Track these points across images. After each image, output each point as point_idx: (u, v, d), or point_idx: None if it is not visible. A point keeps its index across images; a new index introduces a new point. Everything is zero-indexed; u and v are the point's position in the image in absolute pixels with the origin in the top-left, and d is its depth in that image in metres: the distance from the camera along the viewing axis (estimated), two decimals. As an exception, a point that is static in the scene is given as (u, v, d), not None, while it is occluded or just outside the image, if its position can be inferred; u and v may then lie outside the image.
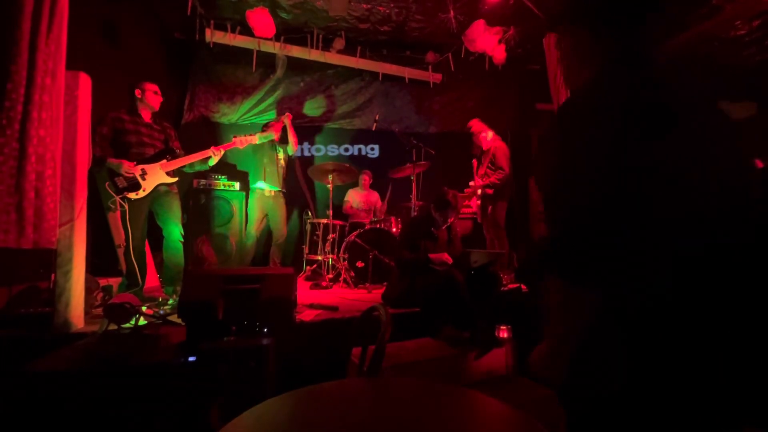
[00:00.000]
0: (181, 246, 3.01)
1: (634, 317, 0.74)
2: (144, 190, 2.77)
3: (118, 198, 2.68)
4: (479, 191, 4.04)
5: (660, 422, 0.75)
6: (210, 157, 3.07)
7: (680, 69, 0.78)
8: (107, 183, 2.68)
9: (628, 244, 0.75)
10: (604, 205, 0.76)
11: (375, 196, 4.96)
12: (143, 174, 2.77)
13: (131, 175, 2.72)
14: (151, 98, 2.92)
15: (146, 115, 2.94)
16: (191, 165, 3.06)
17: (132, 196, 2.73)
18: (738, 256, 0.75)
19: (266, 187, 3.81)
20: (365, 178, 4.89)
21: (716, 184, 0.74)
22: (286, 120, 3.87)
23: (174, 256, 2.99)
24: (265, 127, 3.87)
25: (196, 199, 4.02)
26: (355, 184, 4.89)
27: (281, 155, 3.95)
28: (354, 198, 4.88)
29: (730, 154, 0.75)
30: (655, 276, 0.73)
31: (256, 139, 3.53)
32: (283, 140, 3.96)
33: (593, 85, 0.83)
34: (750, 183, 0.74)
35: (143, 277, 2.84)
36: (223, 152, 3.15)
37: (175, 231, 2.98)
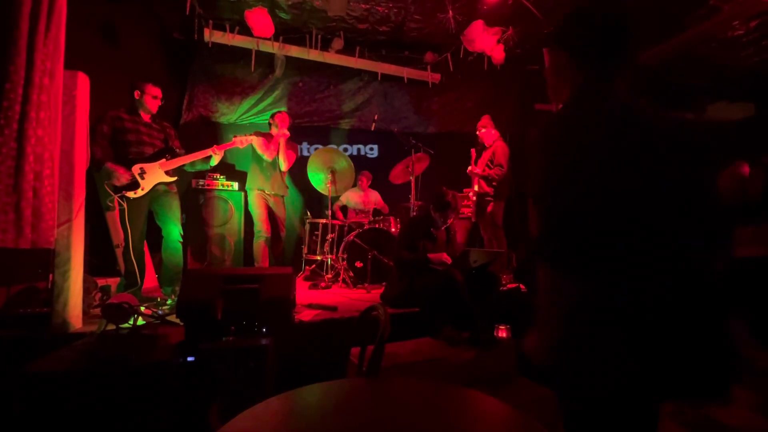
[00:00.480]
0: (180, 246, 3.00)
1: (634, 317, 0.74)
2: (142, 189, 2.76)
3: (116, 197, 2.67)
4: (476, 185, 4.03)
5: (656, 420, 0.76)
6: (211, 156, 3.05)
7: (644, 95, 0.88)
8: (105, 182, 2.68)
9: (627, 243, 0.76)
10: (600, 203, 0.79)
11: (375, 194, 4.96)
12: (142, 173, 2.76)
13: (126, 181, 2.71)
14: (149, 102, 2.90)
15: (145, 116, 2.94)
16: (192, 164, 3.05)
17: (130, 195, 2.72)
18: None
19: (266, 190, 3.77)
20: (363, 179, 4.88)
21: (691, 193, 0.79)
22: (282, 140, 3.72)
23: (173, 257, 2.98)
24: (262, 148, 3.70)
25: (195, 199, 4.01)
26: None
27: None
28: (350, 198, 4.88)
29: (693, 165, 0.80)
30: (655, 275, 0.74)
31: (257, 139, 3.49)
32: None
33: (576, 102, 0.92)
34: (714, 193, 0.81)
35: (142, 277, 2.84)
36: (224, 152, 3.12)
37: (174, 231, 2.97)
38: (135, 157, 2.77)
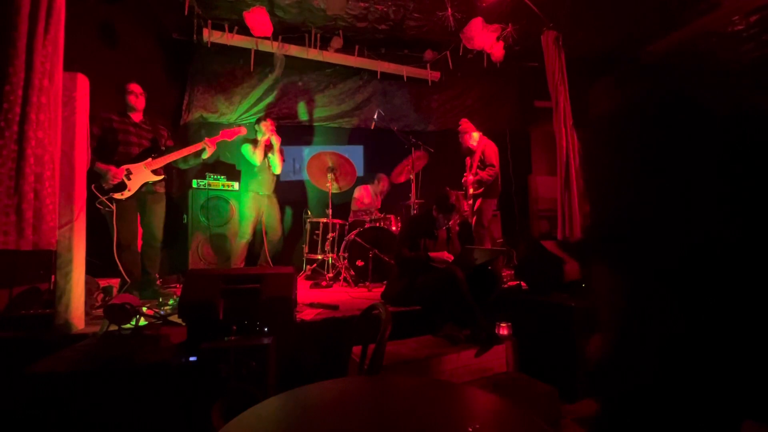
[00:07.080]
0: (158, 251, 2.97)
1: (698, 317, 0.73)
2: (129, 191, 2.76)
3: (104, 198, 2.69)
4: (470, 189, 4.03)
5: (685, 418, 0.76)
6: (203, 149, 3.02)
7: None
8: (93, 185, 2.67)
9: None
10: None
11: (379, 198, 4.93)
12: (128, 174, 2.76)
13: (118, 181, 2.72)
14: (132, 100, 2.90)
15: (136, 116, 2.93)
16: (185, 160, 3.04)
17: (117, 196, 2.73)
18: None
19: (260, 191, 3.84)
20: (384, 182, 4.76)
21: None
22: (275, 142, 3.78)
23: (148, 260, 2.95)
24: (250, 153, 3.75)
25: (196, 199, 4.02)
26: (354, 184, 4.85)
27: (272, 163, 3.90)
28: (364, 199, 4.77)
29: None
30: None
31: (245, 130, 3.48)
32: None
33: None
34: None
35: (136, 277, 2.85)
36: (216, 145, 3.10)
37: (152, 234, 2.95)
38: (121, 158, 2.77)
